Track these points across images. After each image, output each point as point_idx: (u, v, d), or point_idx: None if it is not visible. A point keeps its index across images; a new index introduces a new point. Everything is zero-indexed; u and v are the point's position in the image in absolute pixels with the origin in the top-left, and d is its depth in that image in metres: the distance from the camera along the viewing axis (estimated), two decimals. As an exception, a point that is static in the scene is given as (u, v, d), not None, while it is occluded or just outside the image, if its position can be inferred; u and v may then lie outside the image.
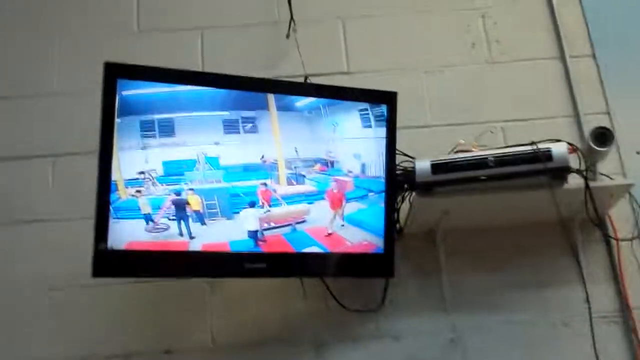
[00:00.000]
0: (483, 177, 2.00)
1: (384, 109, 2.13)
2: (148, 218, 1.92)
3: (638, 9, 2.57)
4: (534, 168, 1.97)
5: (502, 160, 2.00)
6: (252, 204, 1.99)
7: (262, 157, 2.02)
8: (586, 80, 2.47)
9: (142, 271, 1.94)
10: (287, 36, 2.49)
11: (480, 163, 2.01)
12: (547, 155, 1.96)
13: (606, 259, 2.24)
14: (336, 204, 2.06)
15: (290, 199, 2.05)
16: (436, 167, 2.02)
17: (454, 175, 2.02)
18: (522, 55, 2.52)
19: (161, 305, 2.22)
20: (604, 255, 2.24)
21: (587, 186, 2.02)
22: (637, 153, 2.33)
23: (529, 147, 2.00)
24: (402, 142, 2.17)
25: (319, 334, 2.20)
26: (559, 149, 1.97)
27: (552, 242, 2.23)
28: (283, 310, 2.23)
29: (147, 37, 2.55)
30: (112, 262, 1.87)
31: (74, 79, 2.47)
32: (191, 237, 1.94)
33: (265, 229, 2.00)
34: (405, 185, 2.16)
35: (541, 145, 1.98)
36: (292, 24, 2.48)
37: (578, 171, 2.03)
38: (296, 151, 2.06)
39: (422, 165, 2.04)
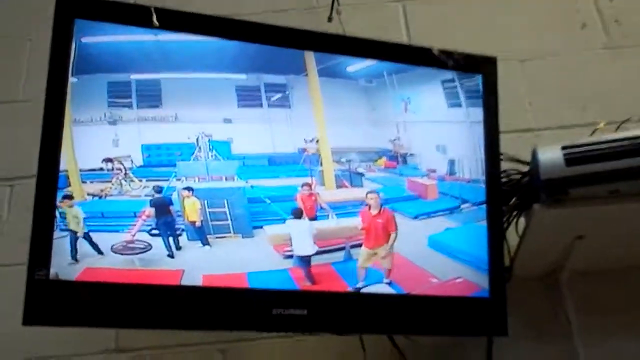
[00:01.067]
0: (644, 170, 1.31)
1: (478, 80, 1.47)
2: (116, 231, 1.24)
3: None
4: None
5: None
6: (298, 214, 1.31)
7: (309, 140, 1.35)
8: None
9: (106, 318, 1.19)
10: (330, 19, 1.86)
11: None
12: None
13: None
14: (380, 238, 1.36)
15: (341, 209, 1.36)
16: (572, 157, 1.34)
17: (600, 166, 1.33)
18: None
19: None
20: None
21: None
22: None
23: None
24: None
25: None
26: None
27: None
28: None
29: None
30: (55, 301, 1.16)
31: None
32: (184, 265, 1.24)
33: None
34: (512, 201, 1.48)
35: None
36: (336, 3, 1.86)
37: None
38: (346, 136, 1.39)
39: (550, 154, 1.34)
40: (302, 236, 1.28)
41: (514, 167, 1.48)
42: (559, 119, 1.78)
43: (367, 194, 1.35)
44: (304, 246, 1.27)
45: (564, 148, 1.32)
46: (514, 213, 1.47)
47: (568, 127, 1.76)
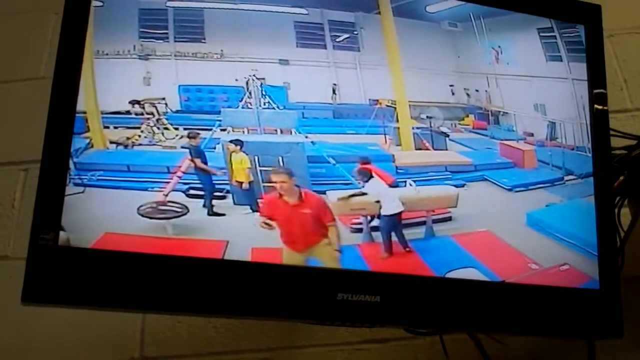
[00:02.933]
0: None
1: (580, 31, 1.24)
2: (145, 189, 1.00)
3: None
4: None
5: None
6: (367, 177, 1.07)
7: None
8: None
9: (127, 298, 0.95)
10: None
11: None
12: None
13: None
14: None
15: (422, 175, 1.12)
16: None
17: None
18: None
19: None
20: None
21: None
22: None
23: None
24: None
25: None
26: None
27: None
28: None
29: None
30: (63, 274, 0.92)
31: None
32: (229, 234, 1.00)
33: (377, 228, 1.06)
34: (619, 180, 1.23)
35: None
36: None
37: None
38: (427, 90, 1.15)
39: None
40: (387, 195, 1.04)
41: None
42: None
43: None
44: (391, 205, 1.02)
45: None
46: (618, 198, 1.22)
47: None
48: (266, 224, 1.00)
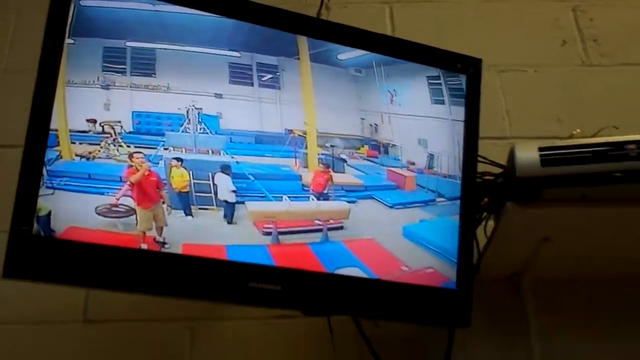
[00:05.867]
0: (618, 174, 1.40)
1: (462, 80, 1.55)
2: (101, 193, 1.28)
3: None
4: None
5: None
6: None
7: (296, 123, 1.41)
8: None
9: (82, 277, 1.24)
10: (319, 15, 1.92)
11: (614, 152, 1.42)
12: None
13: None
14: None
15: (324, 193, 1.43)
16: (548, 158, 1.42)
17: (574, 168, 1.42)
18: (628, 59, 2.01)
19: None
20: None
21: None
22: None
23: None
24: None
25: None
26: None
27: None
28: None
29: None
30: (36, 256, 1.20)
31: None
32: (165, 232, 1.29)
33: (283, 232, 1.37)
34: (484, 200, 1.56)
35: None
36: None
37: None
38: (332, 122, 1.46)
39: (527, 154, 1.42)
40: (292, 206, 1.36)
41: (488, 171, 1.57)
42: (534, 129, 1.87)
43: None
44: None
45: (540, 149, 1.40)
46: (484, 214, 1.55)
47: (543, 137, 1.85)
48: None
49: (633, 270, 1.63)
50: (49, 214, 1.22)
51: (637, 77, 1.97)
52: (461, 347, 1.56)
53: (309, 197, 1.39)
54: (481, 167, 1.55)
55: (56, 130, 1.25)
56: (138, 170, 1.30)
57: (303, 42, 1.44)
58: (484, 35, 2.03)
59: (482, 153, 1.56)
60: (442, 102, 1.52)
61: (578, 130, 1.54)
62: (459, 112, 1.52)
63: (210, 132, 1.36)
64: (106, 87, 1.31)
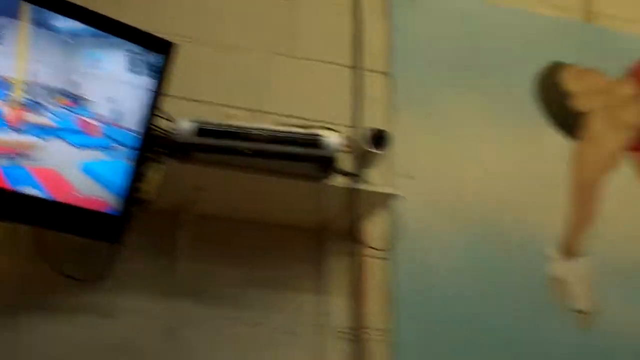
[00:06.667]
0: (248, 151, 1.94)
1: (160, 59, 2.00)
2: None
3: (445, 39, 2.70)
4: (303, 152, 1.96)
5: (274, 138, 1.97)
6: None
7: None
8: (378, 97, 2.50)
9: None
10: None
11: (250, 135, 1.96)
12: (317, 142, 1.97)
13: (352, 272, 2.24)
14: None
15: (20, 128, 1.84)
16: (203, 130, 1.94)
17: (218, 142, 1.94)
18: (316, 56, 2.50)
19: None
20: (350, 267, 2.25)
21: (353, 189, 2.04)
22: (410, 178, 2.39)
23: (306, 130, 2.01)
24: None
25: (16, 297, 1.98)
26: (331, 138, 1.99)
27: (303, 245, 2.22)
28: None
29: None
30: None
31: None
32: None
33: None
34: (159, 150, 2.04)
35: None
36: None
37: (347, 173, 2.05)
38: (40, 75, 1.86)
39: (187, 125, 1.94)
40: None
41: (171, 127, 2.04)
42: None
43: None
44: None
45: (199, 123, 1.97)
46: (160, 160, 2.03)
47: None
48: None
49: (264, 217, 2.21)
50: None
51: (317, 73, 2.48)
52: (125, 259, 2.06)
53: (7, 130, 1.81)
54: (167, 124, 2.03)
55: None
56: None
57: (27, 7, 1.83)
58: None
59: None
60: (137, 73, 1.97)
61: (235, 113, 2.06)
62: (150, 83, 1.97)
63: None
64: None
